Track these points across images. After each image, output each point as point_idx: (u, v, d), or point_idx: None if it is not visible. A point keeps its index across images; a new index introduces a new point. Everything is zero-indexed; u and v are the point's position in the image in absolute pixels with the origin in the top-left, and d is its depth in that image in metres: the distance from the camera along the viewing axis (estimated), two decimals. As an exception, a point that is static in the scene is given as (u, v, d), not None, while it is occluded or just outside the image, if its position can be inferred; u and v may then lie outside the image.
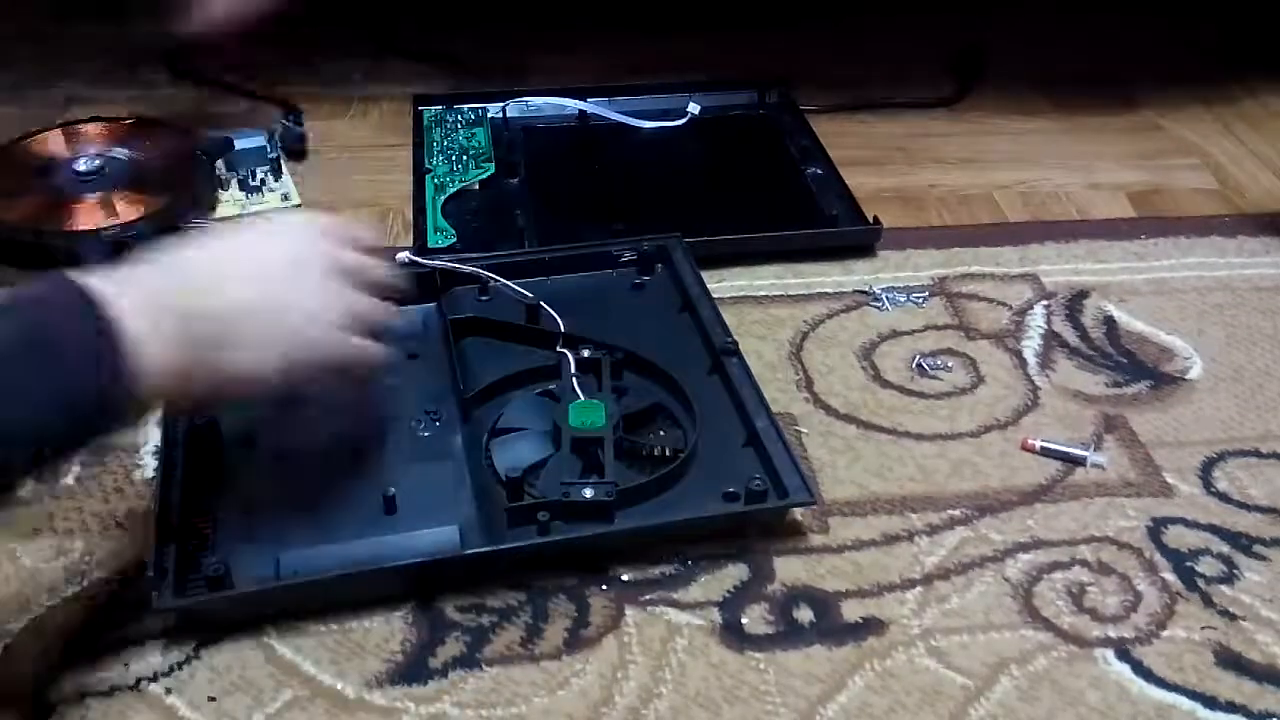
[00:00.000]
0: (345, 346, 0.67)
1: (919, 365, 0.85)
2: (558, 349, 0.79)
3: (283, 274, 0.66)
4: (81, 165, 0.98)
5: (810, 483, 0.72)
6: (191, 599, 0.63)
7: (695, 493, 0.72)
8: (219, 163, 1.00)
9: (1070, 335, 0.89)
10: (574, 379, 0.77)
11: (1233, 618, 0.68)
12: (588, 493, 0.69)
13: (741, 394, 0.77)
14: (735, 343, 0.81)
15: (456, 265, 0.85)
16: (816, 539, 0.72)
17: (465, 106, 1.11)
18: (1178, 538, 0.73)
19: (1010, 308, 0.91)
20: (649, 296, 0.88)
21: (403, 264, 0.85)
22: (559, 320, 0.81)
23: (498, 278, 0.84)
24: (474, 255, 0.88)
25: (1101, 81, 1.24)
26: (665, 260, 0.90)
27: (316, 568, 0.66)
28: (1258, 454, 0.79)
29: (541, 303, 0.82)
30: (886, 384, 0.84)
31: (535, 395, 0.78)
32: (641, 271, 0.89)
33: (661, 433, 0.76)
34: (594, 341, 0.80)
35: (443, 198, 0.99)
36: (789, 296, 0.91)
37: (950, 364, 0.85)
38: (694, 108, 1.10)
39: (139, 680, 0.62)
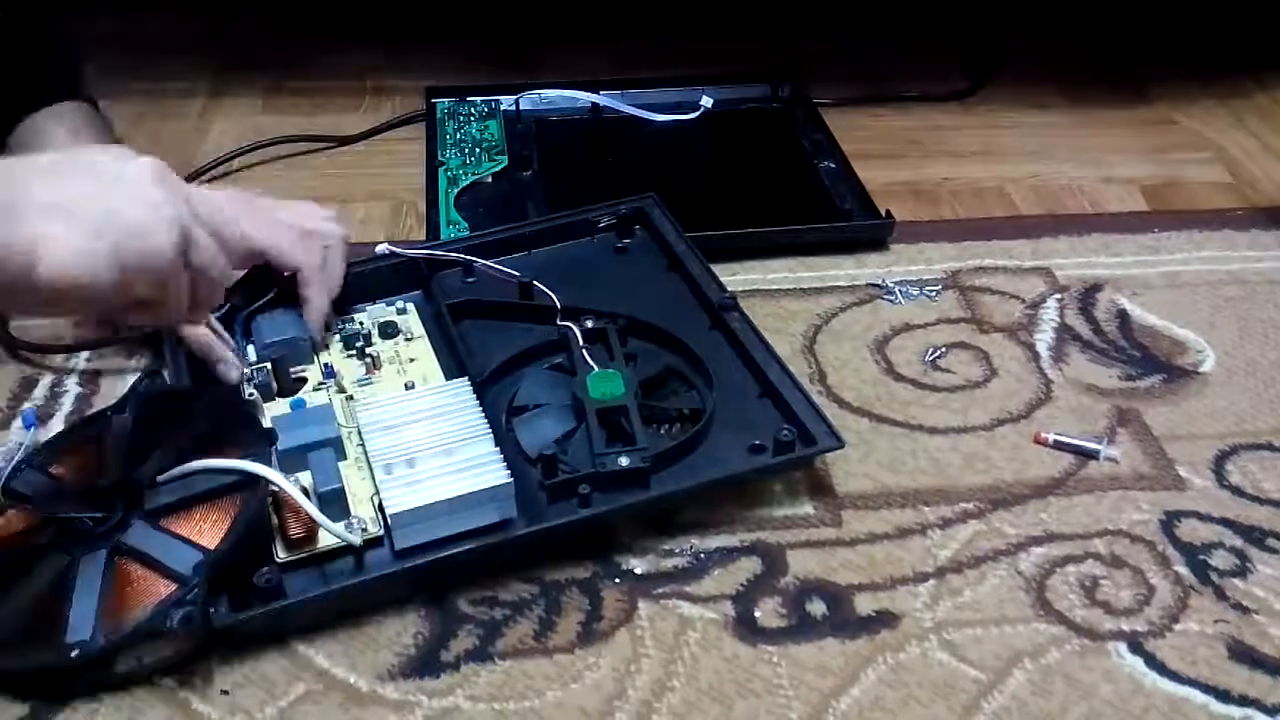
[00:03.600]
0: (206, 252, 0.52)
1: (930, 359, 0.85)
2: (559, 323, 0.79)
3: (150, 172, 0.52)
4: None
5: (834, 428, 0.72)
6: (247, 613, 0.62)
7: (721, 450, 0.72)
8: None
9: (1083, 328, 0.88)
10: (584, 350, 0.76)
11: (1245, 611, 0.68)
12: (624, 461, 0.69)
13: (747, 346, 0.77)
14: (734, 296, 0.81)
15: (437, 252, 0.85)
16: (829, 532, 0.72)
17: (478, 99, 1.11)
18: (1190, 531, 0.72)
19: (1023, 301, 0.91)
20: (634, 259, 0.88)
21: (382, 255, 0.84)
22: (553, 295, 0.80)
23: (480, 259, 0.84)
24: (453, 240, 0.88)
25: (1114, 75, 1.24)
26: (643, 221, 0.89)
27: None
28: (1270, 447, 0.79)
29: (534, 280, 0.82)
30: (899, 377, 0.83)
31: (546, 370, 0.78)
32: (621, 235, 0.89)
33: (676, 394, 0.76)
34: (594, 311, 0.79)
35: (455, 190, 0.99)
36: (801, 290, 0.91)
37: (945, 352, 0.85)
38: (707, 101, 1.10)
39: (151, 673, 0.63)
